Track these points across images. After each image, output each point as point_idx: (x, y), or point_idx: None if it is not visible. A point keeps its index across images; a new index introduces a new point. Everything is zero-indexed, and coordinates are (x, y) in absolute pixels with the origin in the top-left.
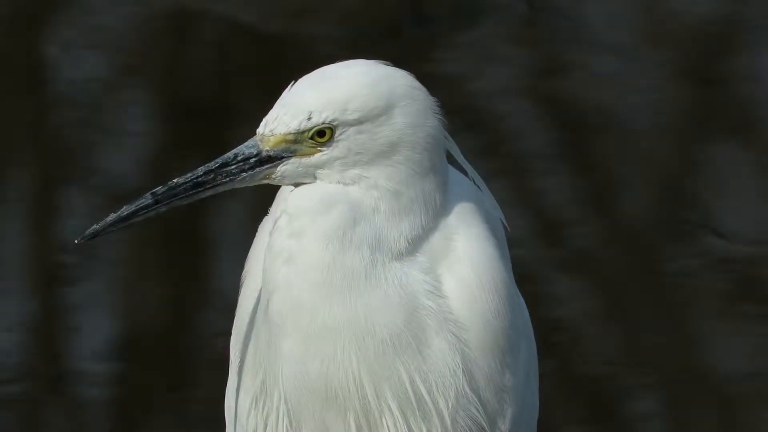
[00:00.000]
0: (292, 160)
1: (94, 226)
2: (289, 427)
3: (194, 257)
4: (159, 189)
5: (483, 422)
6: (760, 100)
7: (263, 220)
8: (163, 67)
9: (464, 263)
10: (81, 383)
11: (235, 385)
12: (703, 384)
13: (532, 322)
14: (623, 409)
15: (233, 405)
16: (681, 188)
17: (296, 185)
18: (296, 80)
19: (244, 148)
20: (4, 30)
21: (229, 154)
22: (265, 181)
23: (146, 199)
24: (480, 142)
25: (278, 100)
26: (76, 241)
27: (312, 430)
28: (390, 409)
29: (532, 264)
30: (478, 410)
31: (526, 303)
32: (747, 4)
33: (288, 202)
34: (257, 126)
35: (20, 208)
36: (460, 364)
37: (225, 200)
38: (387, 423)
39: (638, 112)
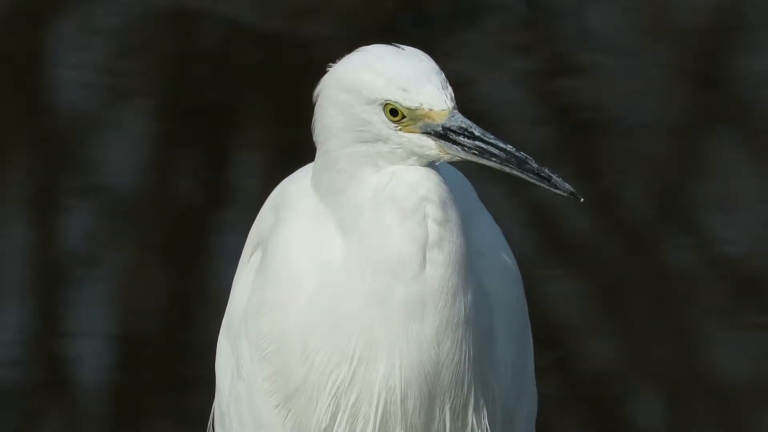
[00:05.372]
0: None
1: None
2: (380, 420)
3: (194, 257)
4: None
5: (510, 411)
6: (760, 100)
7: (256, 219)
8: (163, 66)
9: (483, 251)
10: (80, 383)
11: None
12: (703, 384)
13: (532, 321)
14: (623, 410)
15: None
16: (681, 188)
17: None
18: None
19: (461, 121)
20: (4, 30)
21: (463, 126)
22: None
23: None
24: None
25: (420, 77)
26: (582, 200)
27: (410, 421)
28: (476, 400)
29: (531, 263)
30: (508, 400)
31: (526, 302)
32: (747, 4)
33: (426, 188)
34: (258, 125)
35: (20, 208)
36: (507, 353)
37: (224, 200)
38: (475, 414)
39: (638, 112)
